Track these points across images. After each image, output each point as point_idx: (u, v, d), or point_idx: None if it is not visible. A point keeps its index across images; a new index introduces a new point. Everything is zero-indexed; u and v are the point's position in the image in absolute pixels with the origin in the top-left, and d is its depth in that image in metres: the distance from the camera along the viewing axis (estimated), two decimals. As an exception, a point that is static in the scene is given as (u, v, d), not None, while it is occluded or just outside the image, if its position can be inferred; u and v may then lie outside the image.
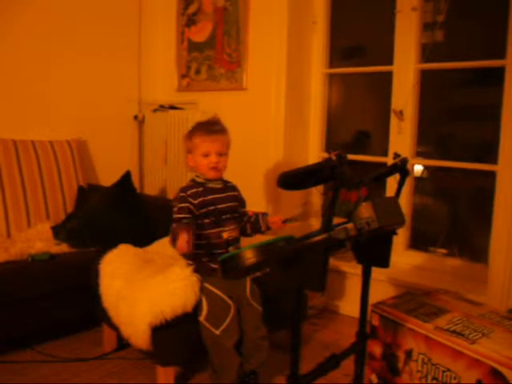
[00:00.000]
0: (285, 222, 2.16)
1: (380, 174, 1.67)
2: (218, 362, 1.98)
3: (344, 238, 1.32)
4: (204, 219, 2.07)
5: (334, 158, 1.29)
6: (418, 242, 2.95)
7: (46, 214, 2.94)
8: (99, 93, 3.48)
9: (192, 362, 2.27)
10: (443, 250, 2.89)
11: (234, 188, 2.23)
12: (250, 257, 1.21)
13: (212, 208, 2.08)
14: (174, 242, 1.92)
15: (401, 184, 1.64)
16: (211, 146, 2.07)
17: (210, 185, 2.12)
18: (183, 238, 1.84)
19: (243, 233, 2.21)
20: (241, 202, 2.23)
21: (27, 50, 3.14)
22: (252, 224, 2.20)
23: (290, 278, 1.26)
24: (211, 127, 2.11)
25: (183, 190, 2.10)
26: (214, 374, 2.01)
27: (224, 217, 2.11)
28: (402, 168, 1.62)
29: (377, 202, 1.36)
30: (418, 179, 2.96)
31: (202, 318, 1.97)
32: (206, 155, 2.08)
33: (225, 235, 2.09)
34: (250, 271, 1.28)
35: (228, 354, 1.97)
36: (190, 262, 2.08)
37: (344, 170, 1.27)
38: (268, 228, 2.19)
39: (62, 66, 3.29)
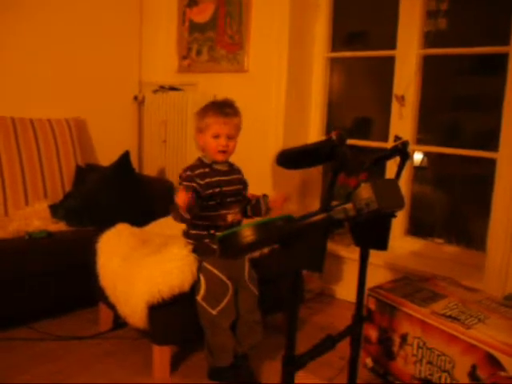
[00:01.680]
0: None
1: (380, 156, 1.66)
2: (213, 342, 1.99)
3: (343, 219, 1.32)
4: (209, 201, 2.06)
5: (334, 137, 1.28)
6: (416, 229, 2.95)
7: (44, 193, 2.94)
8: (99, 72, 3.46)
9: (188, 342, 2.28)
10: (440, 240, 2.89)
11: (238, 171, 2.22)
12: (248, 235, 1.19)
13: (218, 190, 2.07)
14: (174, 213, 1.95)
15: (401, 167, 1.63)
16: (222, 129, 2.04)
17: (217, 166, 2.11)
18: (183, 193, 1.85)
19: (244, 214, 2.20)
20: (244, 184, 2.22)
21: (27, 28, 3.11)
22: (253, 206, 2.20)
23: (289, 257, 1.25)
24: (225, 109, 2.08)
25: (190, 168, 2.08)
26: (209, 355, 2.02)
27: (229, 199, 2.10)
28: (402, 151, 1.61)
29: (376, 184, 1.34)
30: (418, 168, 2.95)
31: (199, 298, 1.97)
32: (216, 137, 2.05)
33: (229, 218, 2.09)
34: (248, 250, 1.27)
35: (224, 334, 1.98)
36: (191, 242, 2.08)
37: (344, 149, 1.26)
38: (268, 210, 2.18)
39: (63, 44, 3.27)
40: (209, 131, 2.05)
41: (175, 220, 2.00)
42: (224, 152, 2.08)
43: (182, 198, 1.86)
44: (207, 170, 2.08)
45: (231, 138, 2.08)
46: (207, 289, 1.97)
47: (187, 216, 1.93)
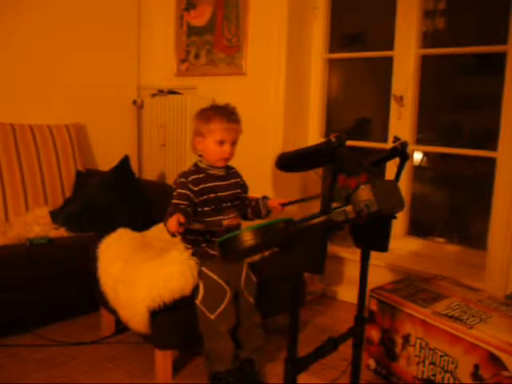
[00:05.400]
0: (284, 205, 2.14)
1: (380, 157, 1.66)
2: (211, 347, 1.97)
3: (343, 221, 1.32)
4: (204, 207, 2.05)
5: (333, 139, 1.28)
6: (417, 229, 2.95)
7: (44, 199, 2.94)
8: (98, 77, 3.46)
9: (190, 346, 2.27)
10: (441, 240, 2.88)
11: (236, 174, 2.20)
12: (248, 239, 1.19)
13: (212, 196, 2.06)
14: (166, 222, 1.93)
15: (400, 168, 1.63)
16: (228, 136, 2.02)
17: (212, 171, 2.10)
18: (175, 219, 1.84)
19: (244, 217, 2.20)
20: (243, 187, 2.21)
21: (27, 34, 3.11)
22: (253, 208, 2.19)
23: (289, 260, 1.25)
24: (232, 116, 2.05)
25: (184, 175, 2.07)
26: (207, 361, 2.01)
27: (224, 205, 2.09)
28: (401, 152, 1.61)
29: (376, 185, 1.34)
30: (418, 167, 2.95)
31: (198, 302, 1.96)
32: (221, 143, 2.02)
33: (225, 223, 2.07)
34: (248, 253, 1.27)
35: (222, 339, 1.95)
36: (189, 247, 2.08)
37: (343, 151, 1.26)
38: (269, 212, 2.17)
39: (61, 51, 3.27)
40: (212, 137, 2.03)
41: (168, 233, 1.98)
42: (227, 159, 2.08)
43: (173, 226, 1.85)
44: (202, 175, 2.07)
45: (234, 144, 2.07)
46: (205, 293, 1.96)
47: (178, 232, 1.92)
